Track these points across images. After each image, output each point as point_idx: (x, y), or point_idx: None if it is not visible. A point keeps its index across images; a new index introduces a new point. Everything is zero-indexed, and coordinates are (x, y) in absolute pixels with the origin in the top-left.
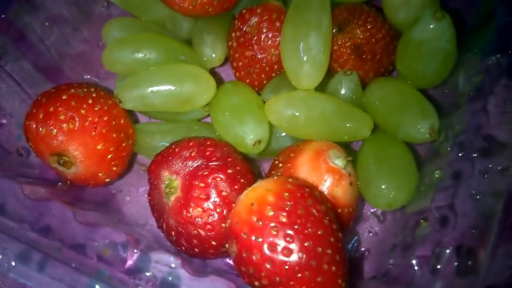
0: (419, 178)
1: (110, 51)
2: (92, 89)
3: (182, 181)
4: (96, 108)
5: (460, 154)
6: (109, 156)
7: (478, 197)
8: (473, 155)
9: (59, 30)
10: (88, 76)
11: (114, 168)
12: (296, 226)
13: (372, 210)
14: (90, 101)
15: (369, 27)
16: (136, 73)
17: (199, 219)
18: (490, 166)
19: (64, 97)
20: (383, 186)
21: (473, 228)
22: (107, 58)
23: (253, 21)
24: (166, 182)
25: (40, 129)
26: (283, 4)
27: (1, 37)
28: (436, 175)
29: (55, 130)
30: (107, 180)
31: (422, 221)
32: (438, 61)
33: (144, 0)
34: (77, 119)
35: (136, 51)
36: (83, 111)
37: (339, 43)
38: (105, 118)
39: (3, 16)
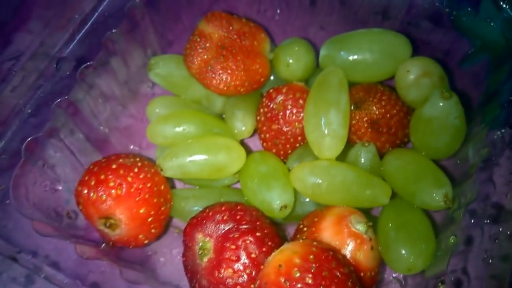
0: (437, 244)
1: (153, 126)
2: (138, 159)
3: (214, 243)
4: (141, 176)
5: (472, 221)
6: (149, 219)
7: (490, 261)
8: (484, 221)
9: (110, 107)
10: (132, 147)
11: (153, 231)
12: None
13: (394, 275)
14: (136, 170)
15: (383, 104)
16: (176, 144)
17: (230, 280)
18: (500, 232)
19: (113, 166)
20: (403, 251)
21: None
22: (151, 132)
23: (279, 99)
24: (200, 244)
25: (91, 194)
26: (305, 84)
27: (62, 113)
28: (451, 241)
29: (104, 195)
30: (146, 241)
31: (440, 284)
32: (448, 136)
33: (183, 82)
34: (124, 186)
35: (176, 126)
36: (129, 179)
37: (357, 118)
38: (148, 185)
39: (66, 96)
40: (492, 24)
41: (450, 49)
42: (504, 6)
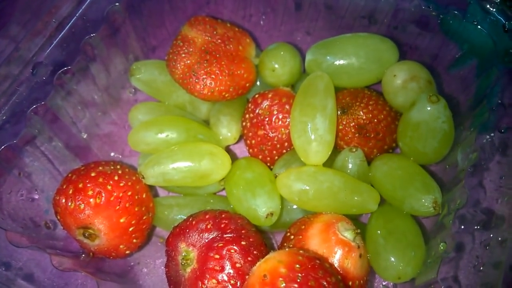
0: (426, 251)
1: (135, 132)
2: (118, 166)
3: (198, 253)
4: (121, 184)
5: (462, 227)
6: (130, 229)
7: (481, 268)
8: (474, 227)
9: (90, 113)
10: (114, 154)
11: (134, 241)
12: None
13: (383, 283)
14: (116, 178)
15: (370, 108)
16: (158, 151)
17: None
18: (490, 238)
19: (92, 174)
20: (392, 259)
21: None
22: (132, 139)
23: (265, 104)
24: (183, 254)
25: (69, 203)
26: (292, 89)
27: (38, 120)
28: (441, 248)
29: (83, 204)
30: (127, 252)
31: None
32: (436, 140)
33: (166, 87)
34: (103, 194)
35: (159, 132)
36: (109, 187)
37: (344, 123)
38: (129, 193)
39: (42, 102)
40: (479, 27)
41: (437, 53)
42: (491, 9)
